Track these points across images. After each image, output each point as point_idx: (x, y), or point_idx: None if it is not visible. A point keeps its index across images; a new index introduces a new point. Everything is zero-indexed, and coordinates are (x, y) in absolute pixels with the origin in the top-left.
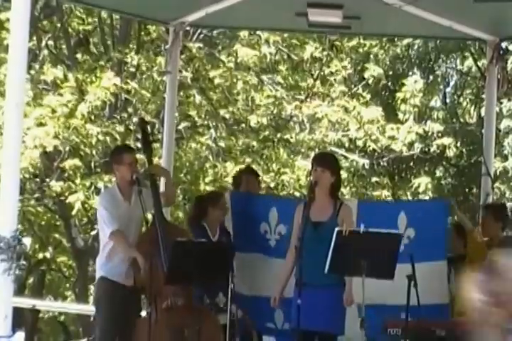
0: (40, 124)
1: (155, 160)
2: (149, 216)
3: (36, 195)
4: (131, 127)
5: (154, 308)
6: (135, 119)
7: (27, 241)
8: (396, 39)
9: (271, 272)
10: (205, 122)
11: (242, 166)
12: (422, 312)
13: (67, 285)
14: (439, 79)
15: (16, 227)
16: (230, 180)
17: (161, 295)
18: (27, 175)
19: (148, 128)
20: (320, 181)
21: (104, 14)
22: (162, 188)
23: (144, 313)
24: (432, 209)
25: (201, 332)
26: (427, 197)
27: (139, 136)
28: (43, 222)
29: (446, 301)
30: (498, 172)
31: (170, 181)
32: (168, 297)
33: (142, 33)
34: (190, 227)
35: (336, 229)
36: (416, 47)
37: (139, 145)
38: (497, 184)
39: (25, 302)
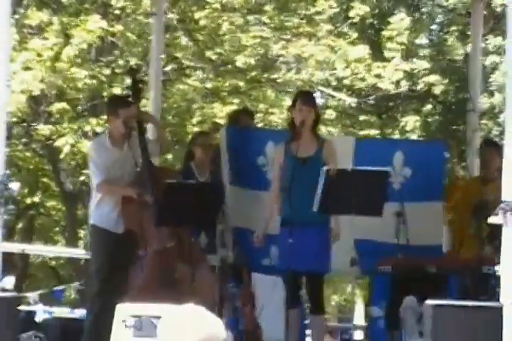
0: (27, 68)
1: (142, 102)
2: None
3: (24, 140)
4: (118, 70)
5: (145, 251)
6: (121, 62)
7: (15, 185)
8: None
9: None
10: (192, 64)
11: (232, 107)
12: (416, 252)
13: (57, 229)
14: (424, 17)
15: (3, 172)
16: (218, 120)
17: (152, 238)
18: (14, 120)
19: (138, 77)
20: (306, 119)
21: None
22: (151, 135)
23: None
24: (430, 150)
25: (193, 273)
26: (414, 135)
27: (129, 84)
28: (31, 167)
29: (440, 242)
30: (484, 109)
31: (159, 128)
32: (158, 239)
33: None
34: (181, 169)
35: (324, 168)
36: None
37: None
38: (484, 120)
39: (15, 247)
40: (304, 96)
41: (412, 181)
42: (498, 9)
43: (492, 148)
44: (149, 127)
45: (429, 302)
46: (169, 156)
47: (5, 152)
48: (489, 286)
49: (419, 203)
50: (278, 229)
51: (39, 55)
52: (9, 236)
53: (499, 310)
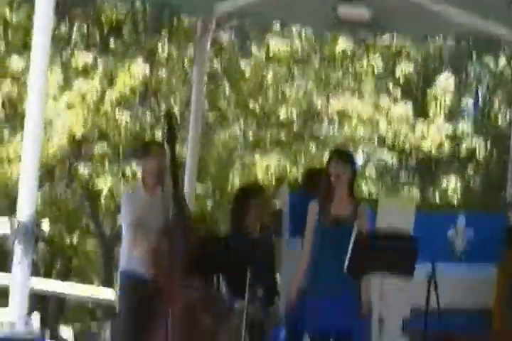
0: (70, 108)
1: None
2: None
3: (65, 181)
4: (160, 116)
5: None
6: (164, 108)
7: (45, 225)
8: (428, 38)
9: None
10: (235, 113)
11: (273, 160)
12: (463, 316)
13: (94, 271)
14: (471, 79)
15: (33, 211)
16: (258, 171)
17: (176, 292)
18: (55, 160)
19: (175, 120)
20: (341, 176)
21: (137, 3)
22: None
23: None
24: (490, 216)
25: (218, 329)
26: (455, 198)
27: (165, 127)
28: (71, 207)
29: (489, 307)
30: None
31: None
32: (184, 295)
33: (174, 22)
34: (230, 223)
35: (355, 231)
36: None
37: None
38: None
39: (49, 285)
40: (340, 153)
41: (475, 243)
42: None
43: None
44: None
45: None
46: (209, 204)
47: (43, 191)
48: None
49: (479, 264)
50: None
51: (83, 97)
52: (46, 276)
53: None
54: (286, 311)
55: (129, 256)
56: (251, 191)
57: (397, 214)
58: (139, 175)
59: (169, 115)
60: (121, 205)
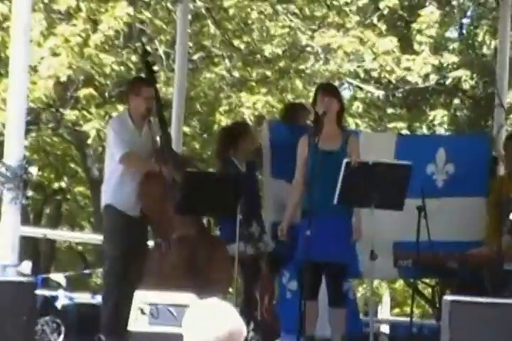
0: (54, 54)
1: (168, 90)
2: None
3: (51, 125)
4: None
5: (165, 238)
6: (149, 49)
7: (33, 170)
8: None
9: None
10: (220, 52)
11: (260, 97)
12: (454, 247)
13: (84, 215)
14: (455, 10)
15: (22, 156)
16: (245, 110)
17: (172, 225)
18: (41, 105)
19: (151, 59)
20: (328, 110)
21: None
22: None
23: (151, 244)
24: (473, 144)
25: (212, 262)
26: (442, 129)
27: (144, 68)
28: (59, 152)
29: (480, 238)
30: None
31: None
32: (179, 227)
33: None
34: (218, 161)
35: (345, 160)
36: None
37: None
38: None
39: (38, 232)
40: (325, 87)
41: (456, 177)
42: None
43: None
44: None
45: (447, 297)
46: (196, 145)
47: (31, 137)
48: (510, 283)
49: (462, 198)
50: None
51: (67, 40)
52: (36, 221)
53: None
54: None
55: (120, 191)
56: (237, 129)
57: (378, 149)
58: (126, 110)
59: (146, 55)
60: (112, 130)
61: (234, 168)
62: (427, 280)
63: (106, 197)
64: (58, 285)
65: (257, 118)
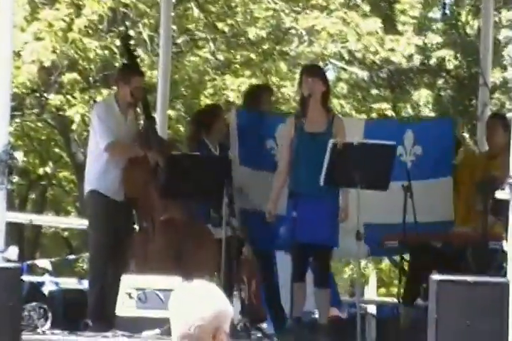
0: (38, 39)
1: (153, 74)
2: None
3: (35, 110)
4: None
5: (151, 222)
6: (133, 33)
7: (18, 155)
8: None
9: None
10: (204, 35)
11: (244, 79)
12: (427, 229)
13: (69, 199)
14: None
15: (7, 141)
16: (229, 93)
17: (157, 209)
18: (25, 90)
19: (132, 43)
20: (312, 92)
21: None
22: None
23: (136, 228)
24: (439, 127)
25: (197, 246)
26: (427, 109)
27: (124, 52)
28: (43, 137)
29: (451, 218)
30: (497, 83)
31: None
32: (164, 211)
33: None
34: (190, 143)
35: (330, 142)
36: None
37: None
38: (497, 94)
39: (23, 217)
40: (310, 69)
41: (423, 159)
42: None
43: (498, 121)
44: None
45: (434, 277)
46: (181, 128)
47: (15, 122)
48: (495, 262)
49: (430, 180)
50: (285, 210)
51: (50, 25)
52: (21, 207)
53: (504, 286)
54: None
55: (105, 174)
56: (210, 111)
57: (347, 134)
58: (112, 96)
59: (127, 39)
60: (97, 116)
61: (207, 150)
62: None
63: (90, 183)
64: (44, 271)
65: (225, 105)
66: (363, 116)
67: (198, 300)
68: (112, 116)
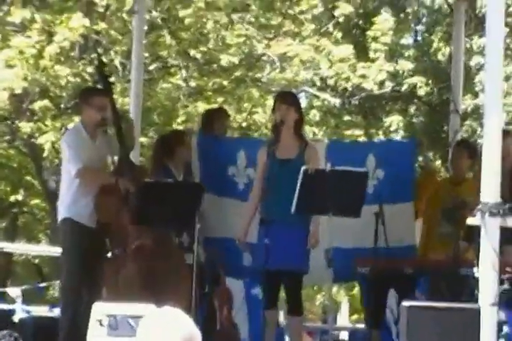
0: (9, 66)
1: (125, 101)
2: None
3: (7, 138)
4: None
5: (123, 249)
6: (105, 60)
7: None
8: None
9: (240, 215)
10: (176, 62)
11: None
12: (391, 253)
13: (41, 227)
14: (410, 17)
15: None
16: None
17: (129, 235)
18: None
19: (106, 70)
20: (285, 119)
21: None
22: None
23: (109, 255)
24: (399, 149)
25: (170, 272)
26: (399, 136)
27: (99, 78)
28: (15, 165)
29: (414, 242)
30: (469, 110)
31: (129, 126)
32: (136, 237)
33: None
34: (154, 168)
35: (302, 168)
36: None
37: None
38: (468, 121)
39: None
40: (283, 96)
41: (385, 182)
42: (483, 10)
43: (463, 149)
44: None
45: (405, 303)
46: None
47: None
48: (467, 288)
49: (393, 205)
50: (256, 237)
51: (21, 52)
52: None
53: (476, 312)
54: (238, 244)
55: (77, 202)
56: (174, 137)
57: None
58: (79, 122)
59: (102, 67)
60: (66, 144)
61: (170, 175)
62: None
63: (63, 211)
64: (15, 299)
65: (186, 131)
66: None
67: (166, 326)
68: (81, 142)
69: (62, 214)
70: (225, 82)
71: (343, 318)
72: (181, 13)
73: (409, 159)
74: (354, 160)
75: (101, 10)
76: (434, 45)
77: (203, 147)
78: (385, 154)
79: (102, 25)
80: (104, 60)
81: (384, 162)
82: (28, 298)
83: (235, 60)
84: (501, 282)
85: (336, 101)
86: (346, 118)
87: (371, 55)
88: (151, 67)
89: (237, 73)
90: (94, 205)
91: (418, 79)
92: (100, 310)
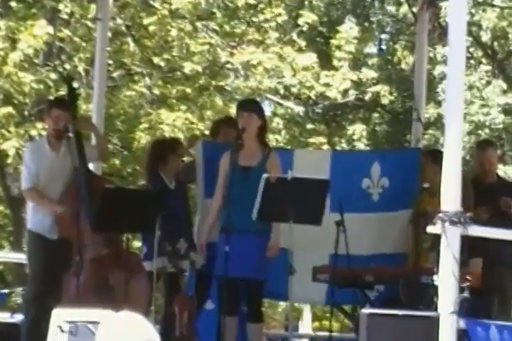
0: None
1: (88, 107)
2: None
3: None
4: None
5: (80, 259)
6: (69, 67)
7: None
8: None
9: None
10: (140, 70)
11: (179, 114)
12: (387, 260)
13: (3, 234)
14: (374, 26)
15: None
16: (165, 127)
17: (87, 245)
18: None
19: (74, 84)
20: (247, 126)
21: None
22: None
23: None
24: (404, 158)
25: (128, 280)
26: (361, 145)
27: (67, 92)
28: None
29: (407, 250)
30: (432, 119)
31: (99, 135)
32: (92, 248)
33: None
34: (146, 175)
35: (264, 176)
36: None
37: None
38: (431, 130)
39: None
40: (245, 103)
41: (390, 190)
42: (447, 19)
43: (427, 157)
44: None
45: (364, 310)
46: (117, 161)
47: None
48: (427, 296)
49: (395, 213)
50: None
51: None
52: None
53: (435, 320)
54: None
55: (35, 213)
56: (168, 144)
57: (313, 167)
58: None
59: (68, 79)
60: (23, 159)
61: (161, 183)
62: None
63: (28, 221)
64: None
65: (190, 139)
66: None
67: (124, 332)
68: (36, 158)
69: (27, 224)
70: (189, 90)
71: (305, 326)
72: (145, 21)
73: (414, 168)
74: (359, 169)
75: (65, 17)
76: (398, 53)
77: (208, 154)
78: (390, 163)
79: (65, 32)
80: (68, 66)
81: (389, 170)
82: None
83: (199, 67)
84: (461, 290)
85: (300, 110)
86: (309, 126)
87: (335, 63)
88: (115, 74)
89: (201, 81)
90: (53, 218)
91: (381, 88)
92: (60, 317)
